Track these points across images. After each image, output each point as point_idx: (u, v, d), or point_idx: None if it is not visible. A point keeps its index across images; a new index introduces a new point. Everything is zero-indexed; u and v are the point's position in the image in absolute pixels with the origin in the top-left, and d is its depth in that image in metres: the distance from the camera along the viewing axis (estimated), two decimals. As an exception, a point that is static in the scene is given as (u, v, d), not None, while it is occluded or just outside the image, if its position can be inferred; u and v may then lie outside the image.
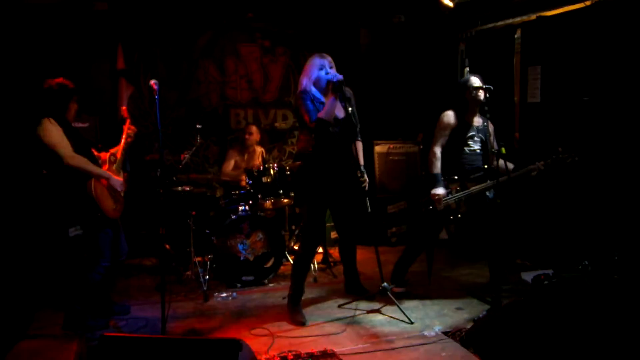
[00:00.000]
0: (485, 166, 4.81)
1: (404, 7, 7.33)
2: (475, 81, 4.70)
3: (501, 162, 4.79)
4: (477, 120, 4.86)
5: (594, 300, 3.38)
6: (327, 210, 4.80)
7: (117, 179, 4.41)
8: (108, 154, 4.51)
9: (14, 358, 2.97)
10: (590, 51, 5.29)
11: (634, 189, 4.91)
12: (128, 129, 4.65)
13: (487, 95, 4.48)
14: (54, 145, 4.06)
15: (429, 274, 5.22)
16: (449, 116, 4.80)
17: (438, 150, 4.78)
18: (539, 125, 5.90)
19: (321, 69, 4.46)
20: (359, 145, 4.68)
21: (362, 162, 4.62)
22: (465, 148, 4.77)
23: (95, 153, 4.44)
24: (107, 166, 4.44)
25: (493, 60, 6.58)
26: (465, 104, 4.76)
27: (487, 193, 4.75)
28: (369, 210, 4.53)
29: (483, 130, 4.85)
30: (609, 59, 5.13)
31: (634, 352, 3.31)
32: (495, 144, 4.94)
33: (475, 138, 4.80)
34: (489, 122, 4.94)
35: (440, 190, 4.66)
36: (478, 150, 4.83)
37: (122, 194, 4.52)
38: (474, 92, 4.69)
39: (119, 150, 4.59)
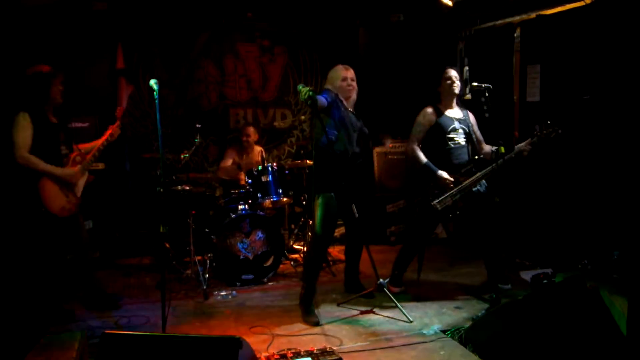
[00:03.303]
0: (476, 157, 4.82)
1: (403, 6, 7.33)
2: (450, 72, 4.79)
3: (491, 149, 4.83)
4: (458, 113, 4.88)
5: (593, 300, 3.39)
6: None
7: (68, 171, 4.47)
8: (74, 154, 4.58)
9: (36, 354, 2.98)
10: (590, 50, 5.29)
11: (635, 188, 4.91)
12: (112, 131, 4.72)
13: (487, 95, 4.48)
14: (15, 141, 4.28)
15: (418, 272, 5.22)
16: (426, 113, 4.84)
17: (415, 145, 4.82)
18: (538, 124, 5.90)
19: (343, 80, 4.66)
20: None
21: None
22: (450, 142, 4.78)
23: (72, 151, 4.60)
24: (69, 165, 4.54)
25: (492, 59, 6.59)
26: (439, 94, 4.85)
27: (478, 187, 4.75)
28: (357, 215, 4.63)
29: (465, 122, 4.87)
30: (608, 58, 5.13)
31: (633, 352, 3.32)
32: (479, 133, 4.96)
33: (459, 130, 4.81)
34: (469, 112, 4.96)
35: (442, 173, 4.67)
36: (463, 143, 4.83)
37: (77, 195, 4.56)
38: (446, 82, 4.77)
39: (93, 149, 4.66)
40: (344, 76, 4.69)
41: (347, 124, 4.59)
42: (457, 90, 4.81)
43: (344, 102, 4.65)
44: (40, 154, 4.35)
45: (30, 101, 4.41)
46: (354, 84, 4.73)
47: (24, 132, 4.29)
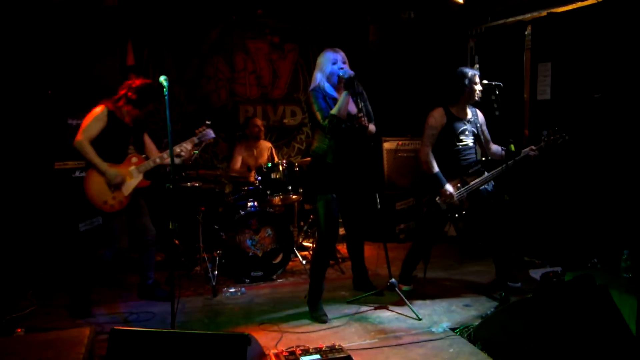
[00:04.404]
0: (483, 158, 4.81)
1: (414, 3, 7.31)
2: (477, 77, 4.70)
3: (498, 148, 4.80)
4: (468, 113, 4.84)
5: (603, 298, 3.37)
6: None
7: (112, 171, 4.55)
8: (132, 155, 4.73)
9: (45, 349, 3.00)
10: (602, 48, 5.26)
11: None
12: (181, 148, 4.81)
13: (497, 93, 4.46)
14: (82, 126, 4.52)
15: (424, 271, 5.22)
16: (437, 115, 4.76)
17: (429, 150, 4.74)
18: (549, 123, 5.87)
19: (334, 63, 4.42)
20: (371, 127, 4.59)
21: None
22: (458, 143, 4.75)
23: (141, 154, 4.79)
24: (123, 164, 4.67)
25: (503, 57, 6.56)
26: (460, 96, 4.74)
27: (486, 186, 4.74)
28: (379, 206, 4.53)
29: (474, 123, 4.84)
30: (620, 56, 5.09)
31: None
32: (487, 133, 4.93)
33: (467, 132, 4.78)
34: (478, 111, 4.92)
35: (449, 187, 4.65)
36: (471, 144, 4.81)
37: (124, 193, 4.64)
38: (475, 87, 4.69)
39: (154, 157, 4.80)
40: (335, 59, 4.42)
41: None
42: (477, 95, 4.75)
43: (336, 93, 4.43)
44: (104, 147, 4.55)
45: (127, 102, 4.65)
46: (347, 67, 4.43)
47: (96, 123, 4.53)
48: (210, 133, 4.89)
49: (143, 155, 4.80)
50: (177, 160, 4.83)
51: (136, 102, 4.65)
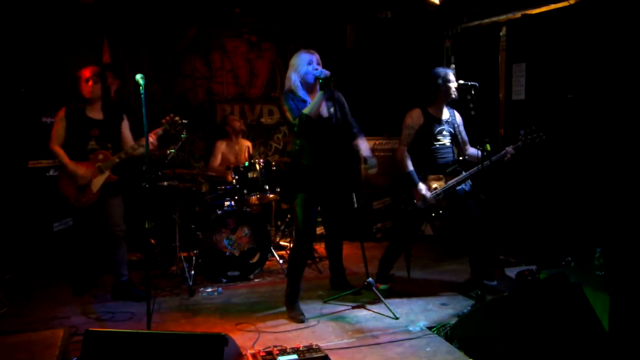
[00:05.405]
0: (461, 158, 4.85)
1: (391, 4, 7.34)
2: (452, 75, 4.74)
3: (475, 151, 4.84)
4: (446, 113, 4.89)
5: (576, 296, 3.42)
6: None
7: (79, 172, 4.72)
8: (99, 152, 4.79)
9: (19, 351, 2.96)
10: (574, 49, 5.33)
11: (617, 185, 4.96)
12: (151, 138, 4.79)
13: (473, 93, 4.50)
14: (51, 131, 4.80)
15: (407, 270, 5.25)
16: (415, 116, 4.80)
17: (405, 149, 4.78)
18: (523, 122, 5.93)
19: (310, 64, 4.40)
20: (363, 141, 4.70)
21: (368, 153, 4.65)
22: (435, 143, 4.79)
23: (107, 149, 4.84)
24: (88, 162, 4.77)
25: (478, 57, 6.62)
26: (436, 96, 4.79)
27: (463, 186, 4.78)
28: (356, 205, 4.54)
29: (451, 123, 4.88)
30: (592, 57, 5.17)
31: (615, 347, 3.36)
32: (464, 134, 4.98)
33: (444, 132, 4.82)
34: (456, 112, 4.97)
35: (422, 186, 4.69)
36: (448, 144, 4.86)
37: (92, 190, 4.76)
38: (449, 85, 4.73)
39: (119, 154, 4.81)
40: (310, 59, 4.39)
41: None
42: (453, 93, 4.80)
43: (308, 96, 4.43)
44: (67, 146, 4.77)
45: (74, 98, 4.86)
46: (321, 68, 4.41)
47: (57, 125, 4.79)
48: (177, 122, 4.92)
49: (110, 151, 4.83)
50: (142, 150, 4.80)
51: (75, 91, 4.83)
